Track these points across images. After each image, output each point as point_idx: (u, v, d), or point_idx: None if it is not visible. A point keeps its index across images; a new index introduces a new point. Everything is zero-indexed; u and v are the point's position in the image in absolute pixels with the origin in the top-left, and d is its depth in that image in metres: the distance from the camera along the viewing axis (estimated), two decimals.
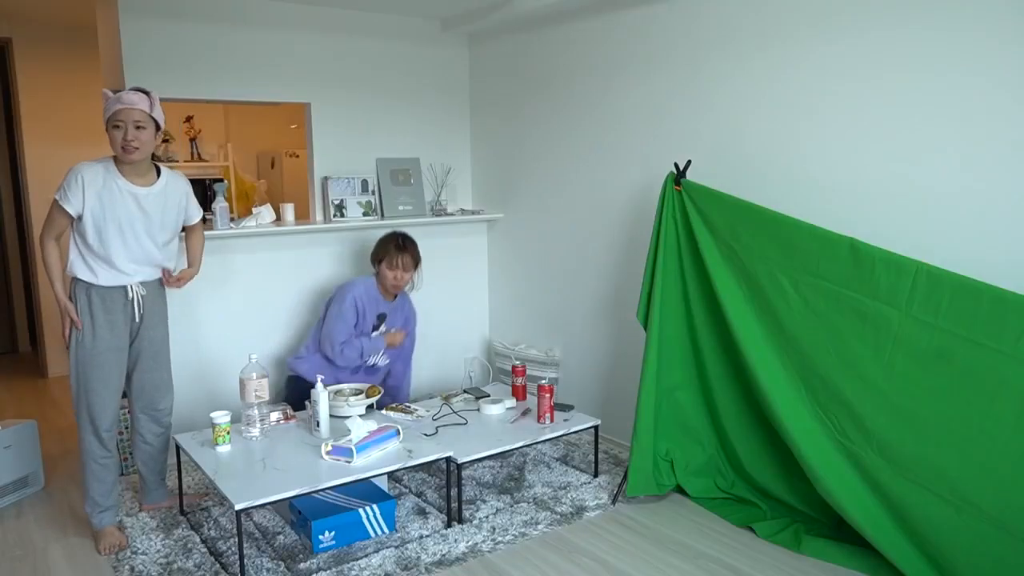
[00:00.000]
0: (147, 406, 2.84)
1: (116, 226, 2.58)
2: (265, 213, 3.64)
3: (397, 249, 3.42)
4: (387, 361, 3.56)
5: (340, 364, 3.38)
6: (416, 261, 3.47)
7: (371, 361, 3.47)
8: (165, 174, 2.70)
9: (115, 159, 2.58)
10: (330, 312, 3.42)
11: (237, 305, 3.62)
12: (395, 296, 3.56)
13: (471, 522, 2.86)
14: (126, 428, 3.38)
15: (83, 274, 2.60)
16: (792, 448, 2.63)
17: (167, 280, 2.80)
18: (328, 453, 2.73)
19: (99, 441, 2.70)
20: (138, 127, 2.50)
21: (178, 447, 2.93)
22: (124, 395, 2.82)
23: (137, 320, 2.71)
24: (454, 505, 2.86)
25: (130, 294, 2.67)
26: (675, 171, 2.92)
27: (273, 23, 3.67)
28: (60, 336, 4.98)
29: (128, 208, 2.59)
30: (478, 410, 3.28)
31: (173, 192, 2.71)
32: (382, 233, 3.57)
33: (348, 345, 3.36)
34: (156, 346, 2.80)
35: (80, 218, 2.55)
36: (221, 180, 5.40)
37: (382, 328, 3.50)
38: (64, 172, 4.80)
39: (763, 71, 2.88)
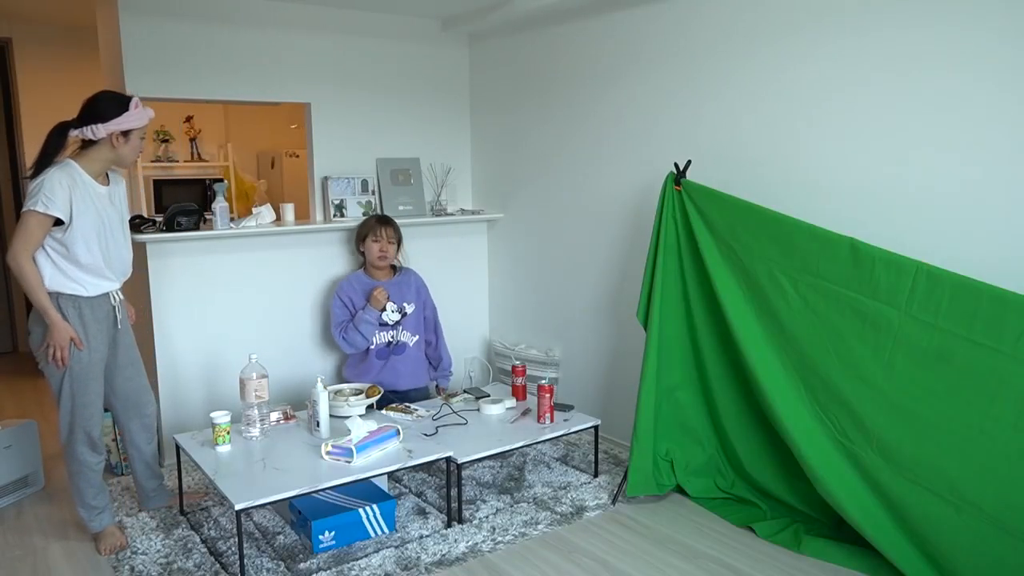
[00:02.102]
0: (136, 413, 2.84)
1: (102, 230, 2.56)
2: (265, 213, 3.64)
3: (378, 222, 3.61)
4: (416, 337, 3.63)
5: (351, 351, 3.55)
6: (399, 236, 3.65)
7: (378, 338, 3.53)
8: (109, 173, 2.68)
9: (79, 163, 2.53)
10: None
11: (237, 305, 3.62)
12: (394, 272, 3.67)
13: (471, 522, 2.86)
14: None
15: (69, 288, 2.53)
16: (792, 448, 2.63)
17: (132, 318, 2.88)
18: (328, 453, 2.74)
19: (93, 450, 2.68)
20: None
21: (178, 447, 2.93)
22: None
23: (118, 327, 2.71)
24: (454, 505, 2.86)
25: (113, 301, 2.67)
26: (675, 171, 2.92)
27: (273, 23, 3.67)
28: None
29: (105, 209, 2.58)
30: (478, 410, 3.28)
31: (121, 188, 2.73)
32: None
33: (344, 330, 3.52)
34: (132, 352, 2.80)
35: (65, 227, 2.47)
36: (221, 180, 5.40)
37: (389, 307, 3.54)
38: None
39: (763, 71, 2.88)
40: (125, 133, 2.55)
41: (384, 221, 3.61)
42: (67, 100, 4.90)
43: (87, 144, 2.54)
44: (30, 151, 4.84)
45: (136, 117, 2.55)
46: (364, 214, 3.89)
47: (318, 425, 2.95)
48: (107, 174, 2.65)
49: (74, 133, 2.53)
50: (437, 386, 3.77)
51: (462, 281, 4.33)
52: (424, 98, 4.17)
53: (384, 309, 3.52)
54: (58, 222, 2.46)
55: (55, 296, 2.52)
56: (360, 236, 3.64)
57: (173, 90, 3.44)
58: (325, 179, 3.86)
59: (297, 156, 5.63)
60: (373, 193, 3.96)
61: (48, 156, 2.51)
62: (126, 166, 2.69)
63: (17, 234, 2.45)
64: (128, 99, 2.56)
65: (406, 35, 4.06)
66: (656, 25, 3.26)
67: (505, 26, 4.00)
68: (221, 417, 2.83)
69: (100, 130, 2.50)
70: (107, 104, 2.53)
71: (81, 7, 4.35)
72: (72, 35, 4.88)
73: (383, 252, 3.56)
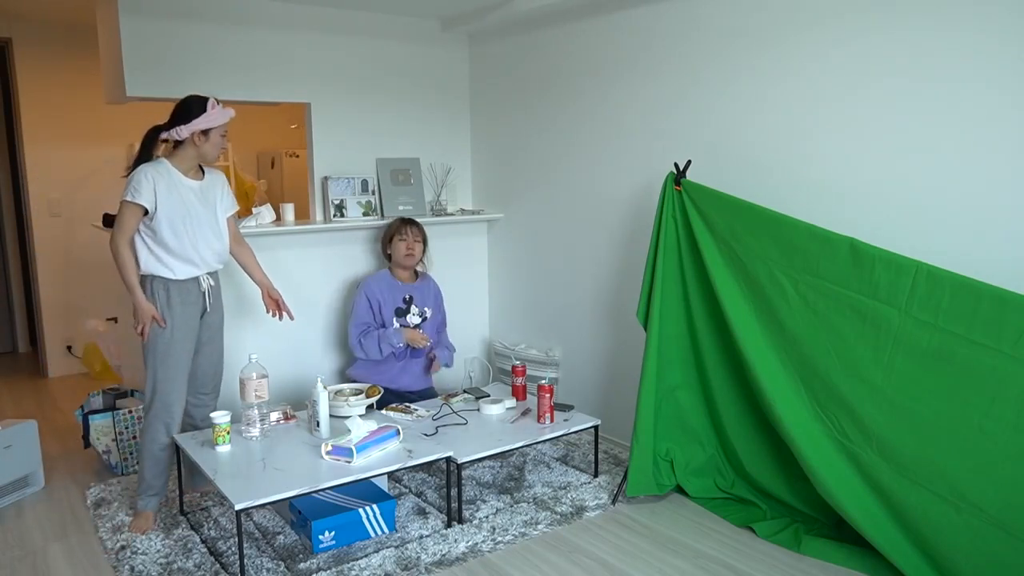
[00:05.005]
0: (197, 389, 3.02)
1: (187, 219, 2.78)
2: (265, 213, 3.64)
3: (403, 222, 3.65)
4: (430, 342, 3.65)
5: (360, 356, 3.52)
6: (424, 236, 3.69)
7: (397, 345, 3.49)
8: (207, 170, 2.94)
9: (170, 160, 2.79)
10: (350, 312, 3.59)
11: (237, 305, 3.62)
12: (416, 276, 3.69)
13: (471, 522, 2.86)
14: (126, 429, 3.39)
15: (160, 271, 2.77)
16: (792, 448, 2.63)
17: (278, 306, 3.16)
18: (328, 453, 2.74)
19: (165, 428, 2.86)
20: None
21: (178, 447, 2.93)
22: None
23: (207, 309, 2.92)
24: (454, 505, 2.87)
25: (203, 286, 2.88)
26: (675, 171, 2.92)
27: (273, 23, 3.67)
28: (62, 337, 5.00)
29: (192, 201, 2.81)
30: (478, 410, 3.28)
31: (217, 183, 2.96)
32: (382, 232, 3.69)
33: (365, 336, 3.50)
34: (213, 332, 3.00)
35: (152, 214, 2.71)
36: None
37: (413, 310, 3.58)
38: (64, 172, 4.80)
39: (763, 71, 2.88)
40: (205, 132, 2.78)
41: (409, 221, 3.66)
42: (67, 100, 4.97)
43: (177, 144, 2.80)
44: (30, 151, 4.84)
45: (214, 117, 2.78)
46: (364, 214, 3.90)
47: (318, 425, 2.95)
48: (202, 170, 2.90)
49: (163, 135, 2.80)
50: (433, 359, 3.63)
51: (462, 281, 4.33)
52: (424, 98, 4.17)
53: (419, 346, 3.55)
54: (146, 211, 2.72)
55: (149, 278, 2.79)
56: (387, 237, 3.66)
57: (173, 90, 3.43)
58: (325, 179, 3.86)
59: (297, 156, 5.63)
60: (373, 193, 3.96)
61: (142, 155, 2.79)
62: (209, 162, 2.88)
63: (116, 222, 2.76)
64: (207, 100, 2.78)
65: (406, 35, 4.06)
66: (656, 25, 3.26)
67: (505, 26, 4.00)
68: (221, 417, 2.83)
69: (183, 131, 2.75)
70: (188, 107, 2.77)
71: (81, 7, 4.34)
72: (72, 35, 4.87)
73: (410, 250, 3.59)
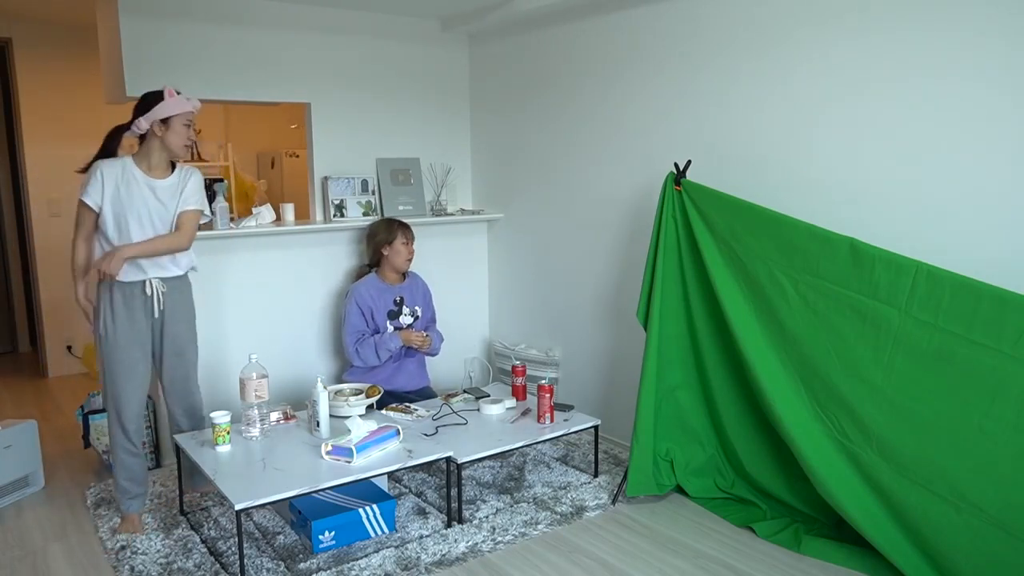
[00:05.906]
0: (177, 401, 2.97)
1: (135, 217, 2.68)
2: (265, 213, 3.64)
3: (402, 225, 3.60)
4: (426, 335, 3.60)
5: (358, 364, 3.49)
6: None
7: (394, 349, 3.47)
8: (180, 169, 2.82)
9: (133, 157, 2.73)
10: (343, 322, 3.56)
11: (237, 305, 3.62)
12: (403, 276, 3.66)
13: (471, 522, 2.86)
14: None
15: None
16: (792, 448, 2.63)
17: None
18: (328, 453, 2.74)
19: (122, 431, 2.79)
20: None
21: (178, 447, 2.93)
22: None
23: (157, 315, 2.79)
24: (454, 505, 2.87)
25: (148, 289, 2.75)
26: (675, 171, 2.92)
27: (273, 23, 3.67)
28: (62, 337, 5.03)
29: (145, 198, 2.71)
30: (478, 410, 3.28)
31: (184, 181, 2.82)
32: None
33: (361, 344, 3.47)
34: (179, 344, 2.87)
35: (100, 212, 2.67)
36: (221, 180, 5.39)
37: (404, 311, 3.57)
38: (64, 172, 4.83)
39: (764, 71, 2.88)
40: (164, 121, 2.68)
41: (405, 224, 3.61)
42: (67, 100, 4.97)
43: (141, 140, 2.74)
44: (30, 151, 4.84)
45: (172, 104, 2.68)
46: (364, 214, 3.90)
47: (318, 425, 2.95)
48: (175, 167, 2.79)
49: (127, 133, 2.74)
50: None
51: (462, 281, 4.33)
52: (424, 98, 4.17)
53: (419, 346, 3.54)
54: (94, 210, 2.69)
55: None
56: (385, 240, 3.55)
57: None
58: (325, 179, 3.86)
59: (297, 156, 5.63)
60: (373, 193, 3.96)
61: (100, 153, 2.74)
62: (177, 155, 2.76)
63: (75, 219, 2.76)
64: (163, 91, 2.71)
65: (406, 35, 4.06)
66: (656, 26, 3.26)
67: (505, 26, 4.00)
68: (221, 417, 2.83)
69: (143, 122, 2.69)
70: (146, 98, 2.71)
71: (81, 7, 4.34)
72: (72, 35, 4.88)
73: (411, 255, 3.59)
